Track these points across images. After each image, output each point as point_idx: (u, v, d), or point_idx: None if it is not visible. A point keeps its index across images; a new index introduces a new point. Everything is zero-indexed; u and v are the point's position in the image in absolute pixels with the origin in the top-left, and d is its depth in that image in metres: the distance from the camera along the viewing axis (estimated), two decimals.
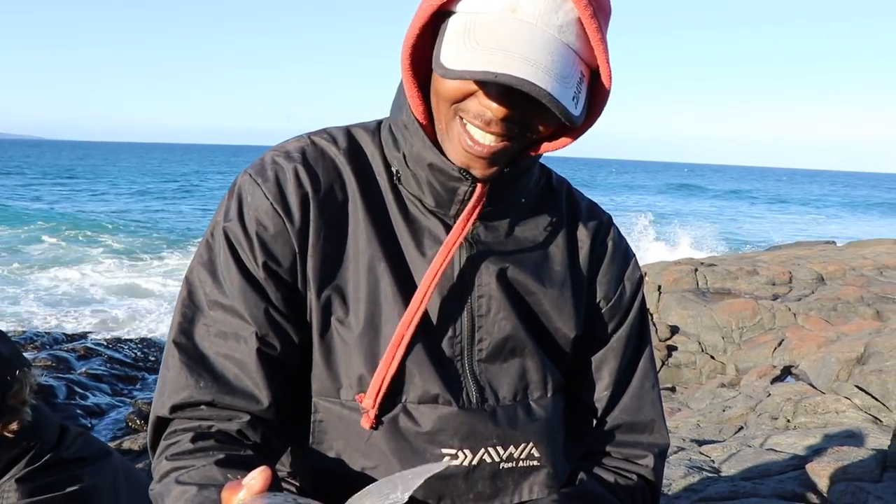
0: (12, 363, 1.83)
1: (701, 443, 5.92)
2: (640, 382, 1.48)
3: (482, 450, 1.32)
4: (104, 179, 70.85)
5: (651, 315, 13.06)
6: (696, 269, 14.34)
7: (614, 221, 1.55)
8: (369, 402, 1.28)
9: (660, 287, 13.74)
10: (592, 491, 1.41)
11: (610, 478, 1.44)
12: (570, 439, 1.45)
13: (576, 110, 1.14)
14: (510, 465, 1.34)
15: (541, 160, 1.41)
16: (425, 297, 1.29)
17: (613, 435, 1.48)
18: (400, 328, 1.28)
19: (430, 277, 1.29)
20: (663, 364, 11.56)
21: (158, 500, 1.17)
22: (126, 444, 7.38)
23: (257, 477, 0.92)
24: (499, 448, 1.33)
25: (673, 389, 10.86)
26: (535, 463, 1.36)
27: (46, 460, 1.77)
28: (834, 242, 21.58)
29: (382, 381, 1.27)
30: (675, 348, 11.96)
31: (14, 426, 1.77)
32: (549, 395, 1.38)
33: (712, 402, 8.34)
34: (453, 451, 1.30)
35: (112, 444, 6.78)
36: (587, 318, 1.45)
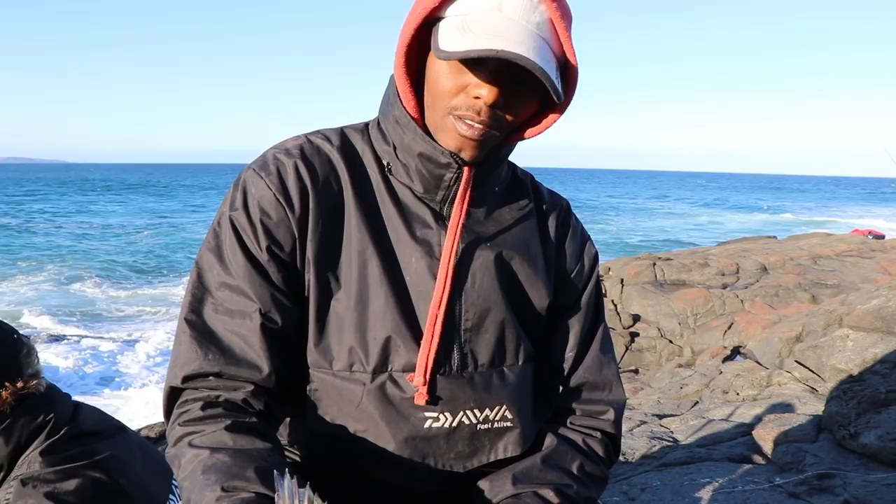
0: (13, 330, 1.80)
1: (661, 416, 5.95)
2: (598, 347, 1.49)
3: (461, 412, 1.32)
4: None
5: (615, 305, 13.10)
6: (655, 264, 14.42)
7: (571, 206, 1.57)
8: (420, 379, 1.28)
9: (622, 280, 13.79)
10: (562, 451, 1.41)
11: (577, 438, 1.44)
12: (539, 402, 1.45)
13: (559, 87, 1.19)
14: (486, 426, 1.35)
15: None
16: (447, 279, 1.30)
17: (579, 392, 1.48)
18: (432, 309, 1.29)
19: (446, 261, 1.30)
20: (627, 349, 11.60)
21: (174, 462, 1.18)
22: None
23: None
24: (476, 411, 1.33)
25: (636, 371, 10.90)
26: (509, 424, 1.36)
27: (65, 433, 1.72)
28: (775, 237, 21.73)
29: (427, 360, 1.28)
30: (637, 335, 12.02)
31: (35, 385, 1.74)
32: (520, 362, 1.39)
33: (671, 380, 8.38)
34: (435, 415, 1.30)
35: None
36: (555, 287, 1.46)
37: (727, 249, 17.17)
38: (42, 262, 28.19)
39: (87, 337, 15.76)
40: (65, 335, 15.78)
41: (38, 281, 24.17)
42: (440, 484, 1.37)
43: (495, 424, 1.35)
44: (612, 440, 1.49)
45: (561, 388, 1.49)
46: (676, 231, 46.15)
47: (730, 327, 10.83)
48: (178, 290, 22.66)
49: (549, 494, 1.32)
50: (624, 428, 5.38)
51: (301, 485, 0.91)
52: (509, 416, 1.36)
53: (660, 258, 15.27)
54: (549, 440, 1.41)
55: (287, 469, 0.95)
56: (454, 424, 1.32)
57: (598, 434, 1.46)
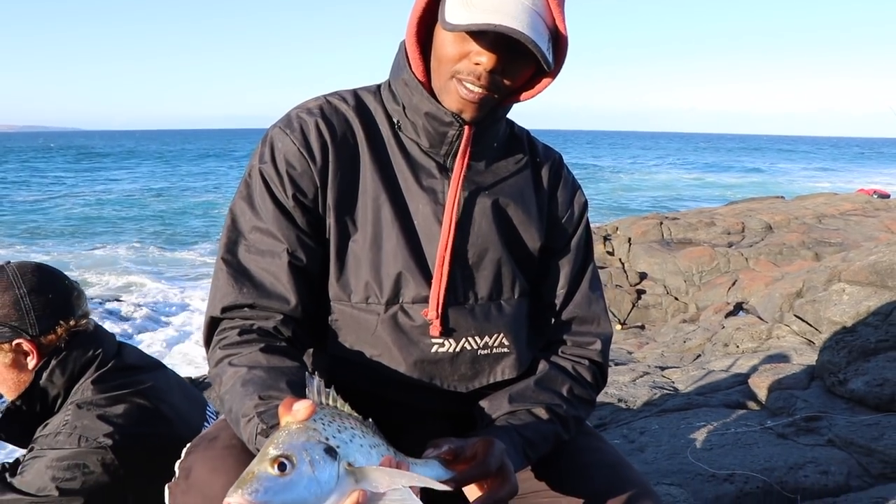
0: (65, 276, 2.00)
1: (663, 368, 6.07)
2: (587, 285, 1.64)
3: (463, 339, 1.48)
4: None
5: (622, 263, 13.23)
6: (662, 223, 14.52)
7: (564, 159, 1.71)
8: (433, 314, 1.45)
9: (630, 239, 13.90)
10: (554, 375, 1.56)
11: (567, 364, 1.59)
12: (533, 332, 1.60)
13: (549, 57, 1.36)
14: (486, 351, 1.50)
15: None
16: (451, 224, 1.46)
17: (569, 326, 1.62)
18: (440, 251, 1.45)
19: (450, 208, 1.46)
20: (633, 306, 11.74)
21: (216, 379, 1.36)
22: None
23: (303, 409, 0.99)
24: (476, 337, 1.49)
25: (642, 327, 11.04)
26: (505, 350, 1.52)
27: (112, 366, 1.93)
28: (782, 197, 21.71)
29: (439, 296, 1.45)
30: (643, 292, 12.15)
31: (85, 324, 1.95)
32: (515, 296, 1.54)
33: (675, 335, 8.49)
34: (441, 341, 1.47)
35: None
36: (547, 231, 1.60)
37: (733, 209, 17.20)
38: (55, 229, 28.44)
39: (107, 299, 16.01)
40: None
41: (53, 245, 24.43)
42: (446, 403, 1.53)
43: (493, 350, 1.51)
44: (600, 368, 1.63)
45: (553, 321, 1.63)
46: (676, 191, 46.28)
47: (734, 284, 10.93)
48: (189, 255, 22.93)
49: (541, 412, 1.49)
50: (627, 378, 5.54)
51: (327, 385, 1.09)
52: (506, 343, 1.52)
53: (667, 217, 15.37)
54: (542, 366, 1.57)
55: (316, 371, 1.13)
56: (457, 350, 1.48)
57: (587, 362, 1.61)
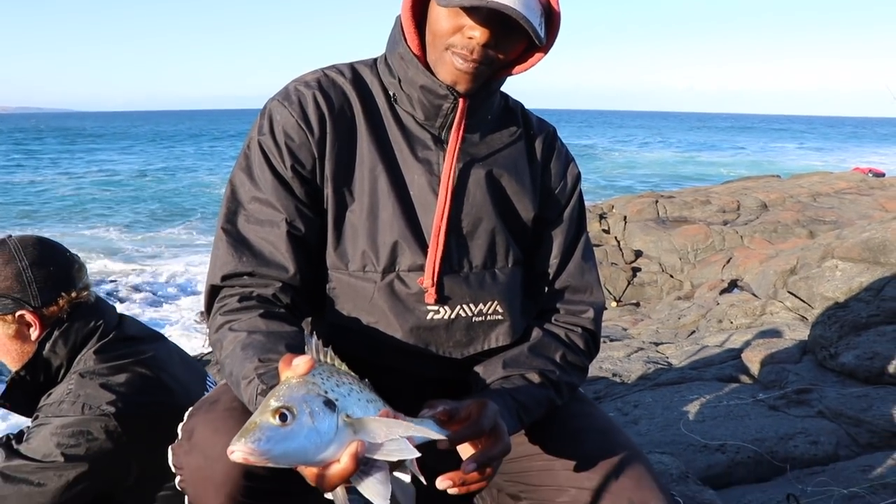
0: (66, 249, 2.04)
1: (658, 344, 6.12)
2: (580, 255, 1.67)
3: (458, 306, 1.52)
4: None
5: (618, 241, 13.29)
6: (657, 201, 14.56)
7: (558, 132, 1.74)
8: (428, 282, 1.48)
9: (625, 217, 13.94)
10: (547, 342, 1.59)
11: (560, 332, 1.62)
12: (527, 300, 1.64)
13: (541, 32, 1.39)
14: (480, 318, 1.54)
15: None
16: (447, 195, 1.50)
17: (562, 294, 1.66)
18: (436, 220, 1.49)
19: (446, 179, 1.50)
20: (629, 284, 11.80)
21: (217, 345, 1.39)
22: None
23: (302, 364, 1.03)
24: (471, 305, 1.53)
25: (638, 304, 11.11)
26: (499, 317, 1.56)
27: (113, 337, 1.97)
28: (778, 176, 21.73)
29: (434, 264, 1.48)
30: (639, 269, 12.20)
31: (86, 296, 1.99)
32: (509, 265, 1.58)
33: (670, 312, 8.55)
34: (436, 308, 1.50)
35: None
36: (540, 202, 1.64)
37: (729, 188, 17.26)
38: (50, 211, 28.39)
39: (102, 280, 16.03)
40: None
41: (48, 227, 24.38)
42: (442, 369, 1.56)
43: (488, 317, 1.55)
44: (592, 336, 1.67)
45: (546, 289, 1.67)
46: (672, 168, 46.43)
47: (728, 262, 10.99)
48: (184, 235, 22.95)
49: (534, 377, 1.52)
50: (622, 353, 5.59)
51: (325, 345, 1.13)
52: (500, 310, 1.56)
53: (662, 196, 15.43)
54: (536, 333, 1.60)
55: (314, 332, 1.16)
56: (452, 316, 1.52)
57: (580, 330, 1.64)
